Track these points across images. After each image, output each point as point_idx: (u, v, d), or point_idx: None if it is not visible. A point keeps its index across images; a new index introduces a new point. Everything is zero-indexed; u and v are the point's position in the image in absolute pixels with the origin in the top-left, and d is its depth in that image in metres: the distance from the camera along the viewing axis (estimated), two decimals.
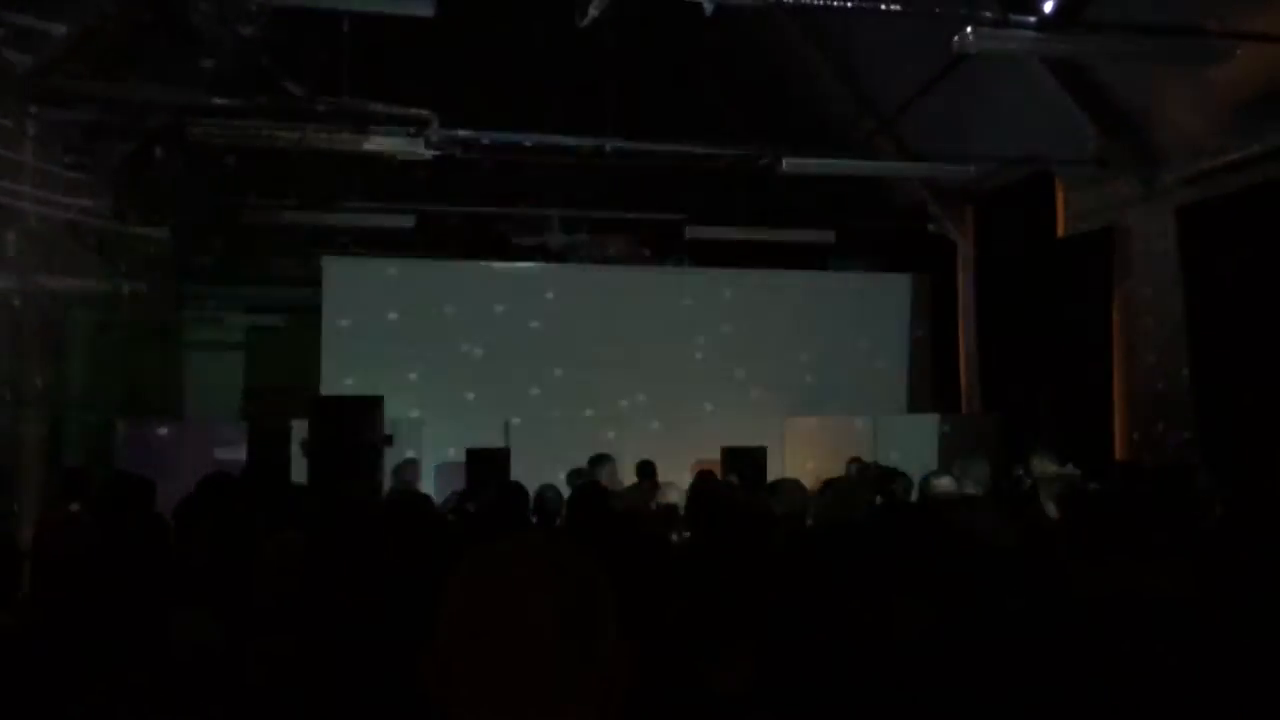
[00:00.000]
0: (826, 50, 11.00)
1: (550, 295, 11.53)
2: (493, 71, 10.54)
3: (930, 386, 12.33)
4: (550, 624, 1.13)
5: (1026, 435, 9.25)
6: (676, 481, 7.52)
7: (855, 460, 8.94)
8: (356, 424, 8.16)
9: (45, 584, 3.47)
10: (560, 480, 6.87)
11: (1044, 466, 7.12)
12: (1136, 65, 7.92)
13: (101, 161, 8.70)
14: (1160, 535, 2.68)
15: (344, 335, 10.92)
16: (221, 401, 11.74)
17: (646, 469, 8.17)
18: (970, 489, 5.76)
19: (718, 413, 11.58)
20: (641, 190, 10.86)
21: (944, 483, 5.50)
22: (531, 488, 5.72)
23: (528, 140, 8.75)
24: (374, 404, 8.61)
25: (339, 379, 10.57)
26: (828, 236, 12.10)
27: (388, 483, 8.12)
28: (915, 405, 12.14)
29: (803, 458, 10.80)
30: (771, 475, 9.28)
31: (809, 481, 6.31)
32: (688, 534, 5.09)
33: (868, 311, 12.28)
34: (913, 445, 10.24)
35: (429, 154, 8.20)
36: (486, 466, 8.59)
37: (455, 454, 9.79)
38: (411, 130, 8.05)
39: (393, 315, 11.11)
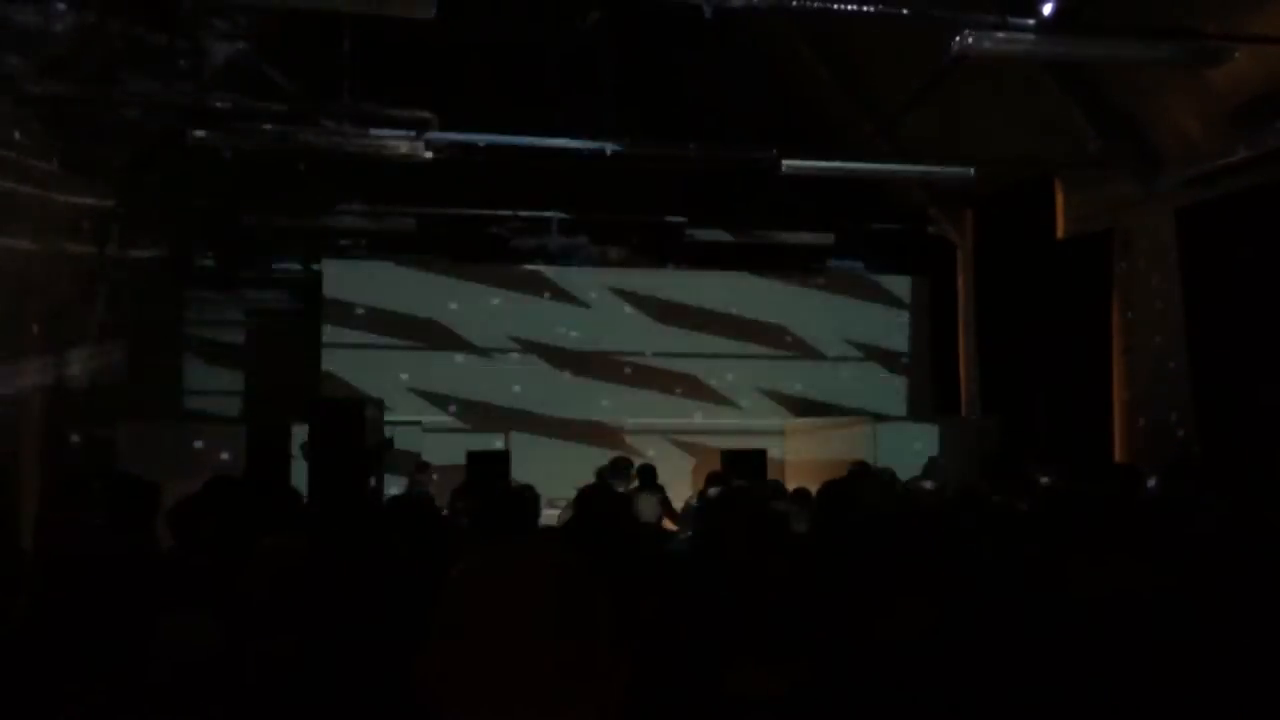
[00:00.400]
0: (826, 52, 11.01)
1: (549, 298, 11.54)
2: (493, 74, 10.54)
3: (930, 389, 12.34)
4: (545, 627, 1.13)
5: (1026, 437, 9.26)
6: (676, 483, 7.53)
7: (857, 463, 8.94)
8: (356, 426, 8.15)
9: (46, 585, 3.47)
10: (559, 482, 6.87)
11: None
12: (1135, 68, 7.92)
13: (102, 163, 8.70)
14: (1129, 534, 2.68)
15: (344, 337, 10.94)
16: (221, 404, 11.74)
17: (647, 474, 8.09)
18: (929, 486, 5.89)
19: (717, 416, 11.59)
20: (641, 193, 10.86)
21: (927, 485, 5.60)
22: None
23: (527, 142, 8.75)
24: (373, 406, 8.62)
25: (339, 381, 10.58)
26: (827, 239, 12.11)
27: (387, 485, 8.13)
28: (915, 407, 12.15)
29: (802, 461, 10.80)
30: (770, 478, 9.30)
31: (811, 485, 6.31)
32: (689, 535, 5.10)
33: (867, 314, 12.29)
34: (913, 448, 10.24)
35: (429, 156, 8.20)
36: (485, 469, 8.59)
37: (454, 456, 9.79)
38: (412, 132, 8.05)
39: (392, 318, 11.12)
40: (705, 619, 2.30)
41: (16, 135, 7.36)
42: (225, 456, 9.13)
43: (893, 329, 12.41)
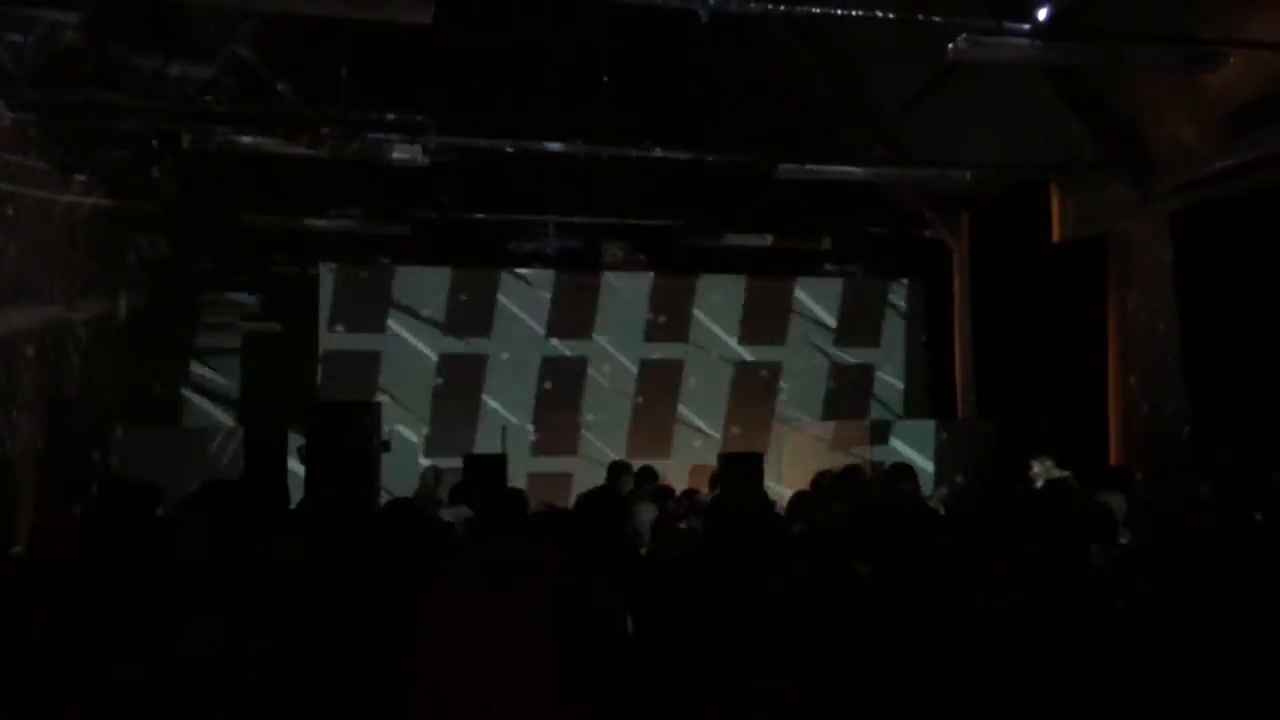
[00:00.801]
0: (822, 56, 11.04)
1: (547, 301, 11.55)
2: (490, 78, 10.55)
3: (926, 392, 12.36)
4: (539, 630, 1.13)
5: (1023, 440, 9.26)
6: (675, 485, 7.55)
7: (854, 466, 8.95)
8: (353, 431, 8.15)
9: (42, 588, 3.46)
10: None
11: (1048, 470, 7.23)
12: (1130, 72, 7.95)
13: (100, 167, 8.70)
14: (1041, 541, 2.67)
15: (341, 342, 10.94)
16: (219, 408, 11.72)
17: (649, 475, 8.06)
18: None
19: (714, 418, 11.60)
20: (638, 197, 10.88)
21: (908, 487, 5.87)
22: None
23: (525, 147, 8.76)
24: (370, 410, 8.61)
25: (335, 385, 10.58)
26: (824, 242, 12.13)
27: (385, 488, 8.13)
28: (911, 411, 12.17)
29: (799, 464, 10.81)
30: (767, 481, 9.32)
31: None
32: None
33: (864, 317, 12.31)
34: (909, 451, 10.25)
35: (426, 160, 8.21)
36: (483, 472, 8.59)
37: (452, 460, 9.80)
38: (409, 136, 8.05)
39: (389, 322, 11.13)
40: (717, 623, 2.30)
41: (14, 138, 7.36)
42: (223, 460, 9.12)
43: (889, 332, 12.43)
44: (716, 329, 11.85)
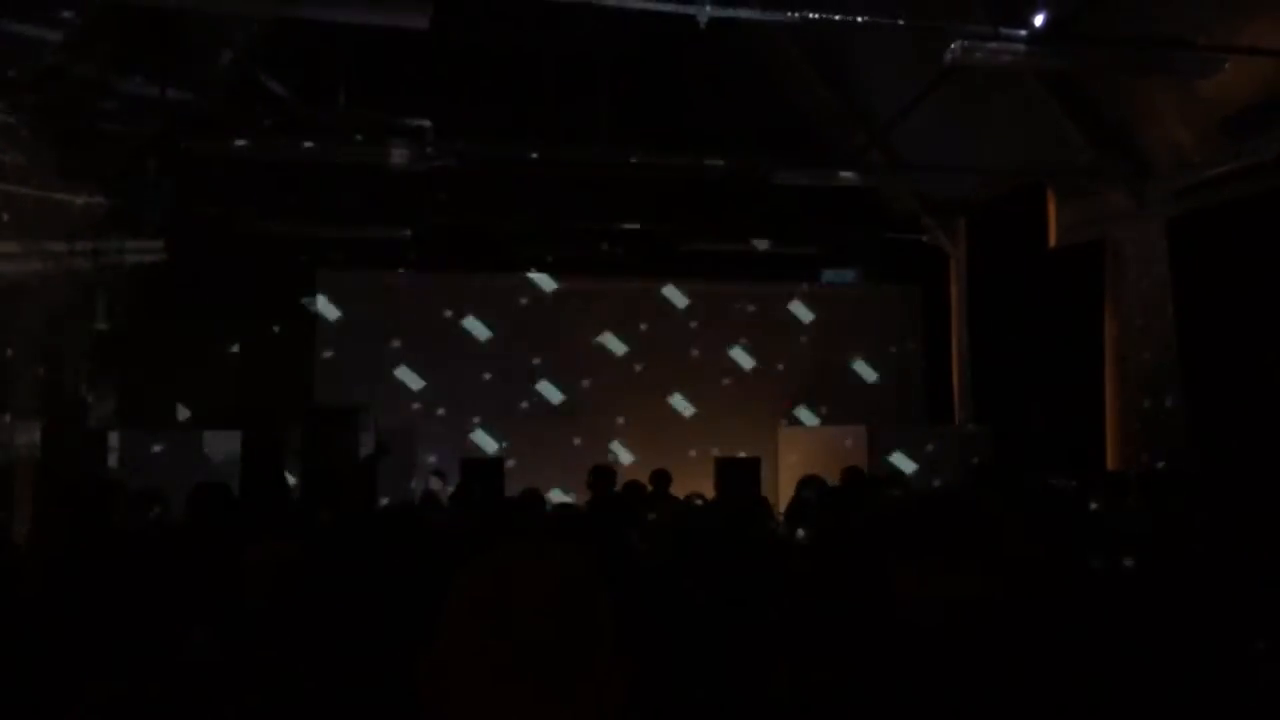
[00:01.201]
0: (819, 63, 11.07)
1: (544, 305, 11.56)
2: (488, 84, 10.57)
3: (923, 397, 12.37)
4: (547, 631, 1.13)
5: (1019, 445, 9.29)
6: (676, 487, 7.53)
7: (850, 470, 8.95)
8: (350, 434, 8.16)
9: (40, 589, 3.47)
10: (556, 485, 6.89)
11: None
12: (1127, 78, 7.98)
13: (98, 171, 8.70)
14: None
15: (338, 346, 10.94)
16: (217, 409, 11.70)
17: (662, 479, 7.77)
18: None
19: (711, 424, 11.60)
20: (635, 202, 10.90)
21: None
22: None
23: (522, 152, 8.77)
24: (368, 414, 8.62)
25: (333, 389, 10.58)
26: (820, 248, 12.14)
27: (384, 490, 8.13)
28: (908, 416, 12.18)
29: (796, 469, 10.81)
30: (764, 486, 9.33)
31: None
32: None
33: (860, 322, 12.32)
34: (905, 456, 10.28)
35: (425, 165, 8.22)
36: (480, 475, 8.60)
37: (451, 463, 9.81)
38: (407, 142, 8.06)
39: (387, 326, 11.13)
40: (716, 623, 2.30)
41: (13, 141, 7.36)
42: (221, 462, 9.11)
43: (885, 338, 12.44)
44: (714, 333, 11.86)
